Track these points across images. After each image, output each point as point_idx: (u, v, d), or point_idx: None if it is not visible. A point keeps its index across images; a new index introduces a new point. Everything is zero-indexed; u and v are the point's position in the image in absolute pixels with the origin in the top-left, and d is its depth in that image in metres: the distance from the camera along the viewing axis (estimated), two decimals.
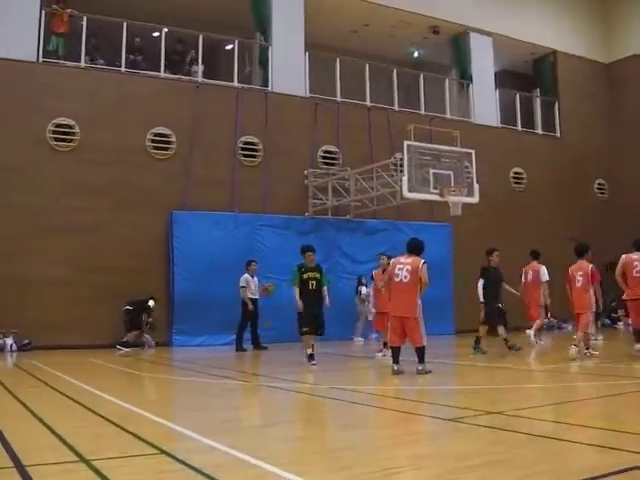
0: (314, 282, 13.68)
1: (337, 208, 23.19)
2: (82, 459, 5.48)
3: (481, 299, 15.65)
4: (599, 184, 31.07)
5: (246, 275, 18.82)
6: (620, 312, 25.62)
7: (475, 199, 19.66)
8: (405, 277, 11.75)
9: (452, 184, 19.31)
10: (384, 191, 20.82)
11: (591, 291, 14.11)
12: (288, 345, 18.89)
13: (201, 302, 19.86)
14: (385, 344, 14.81)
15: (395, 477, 4.92)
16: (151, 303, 19.30)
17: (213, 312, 19.71)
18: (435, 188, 19.00)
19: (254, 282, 18.96)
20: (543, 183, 28.31)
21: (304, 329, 13.60)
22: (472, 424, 6.85)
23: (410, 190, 18.70)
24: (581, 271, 14.19)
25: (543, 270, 18.06)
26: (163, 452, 5.69)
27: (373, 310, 16.08)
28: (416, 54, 30.15)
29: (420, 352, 11.58)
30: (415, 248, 12.11)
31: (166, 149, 21.28)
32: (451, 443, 6.24)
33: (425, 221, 23.84)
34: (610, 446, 5.58)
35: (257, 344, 18.85)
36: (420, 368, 11.50)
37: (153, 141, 21.13)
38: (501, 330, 15.49)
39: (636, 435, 6.10)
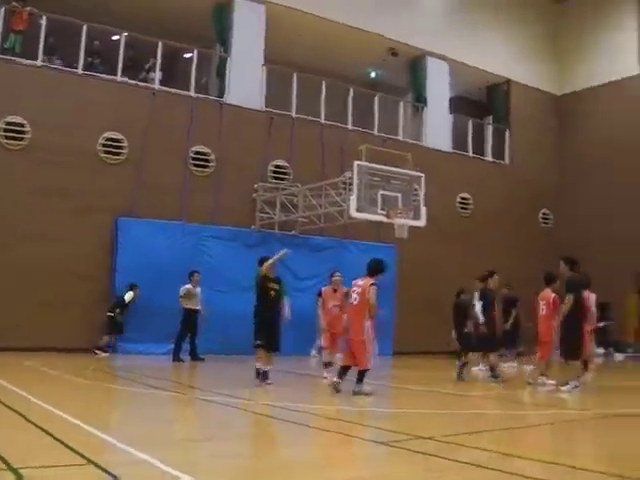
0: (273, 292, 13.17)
1: (284, 223, 23.25)
2: (9, 467, 5.42)
3: (480, 320, 15.49)
4: (544, 214, 31.58)
5: (188, 285, 18.78)
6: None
7: (422, 222, 19.86)
8: (355, 299, 11.83)
9: (400, 206, 19.47)
10: (332, 209, 20.92)
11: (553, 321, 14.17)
12: (227, 358, 18.94)
13: (144, 310, 19.79)
14: (326, 364, 14.84)
15: None
16: (127, 297, 19.40)
17: (156, 321, 19.58)
18: (382, 209, 19.13)
19: (196, 293, 18.91)
20: (489, 210, 28.68)
21: (257, 342, 13.01)
22: (404, 448, 6.94)
23: (358, 210, 18.82)
24: (544, 300, 14.34)
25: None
26: (92, 463, 5.66)
27: (324, 327, 15.35)
28: (373, 74, 30.44)
29: (360, 374, 11.61)
30: (369, 268, 12.07)
31: (118, 154, 21.18)
32: (383, 466, 6.33)
33: (371, 241, 23.99)
34: (538, 477, 5.72)
35: (195, 355, 18.81)
36: (357, 389, 11.52)
37: (105, 145, 21.02)
38: (493, 356, 15.22)
39: (560, 466, 6.26)
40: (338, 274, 15.24)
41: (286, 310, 13.80)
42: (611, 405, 11.58)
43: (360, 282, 11.96)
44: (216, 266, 21.00)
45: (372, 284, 11.79)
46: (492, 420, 9.87)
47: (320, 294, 15.35)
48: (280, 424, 8.79)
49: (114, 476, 5.23)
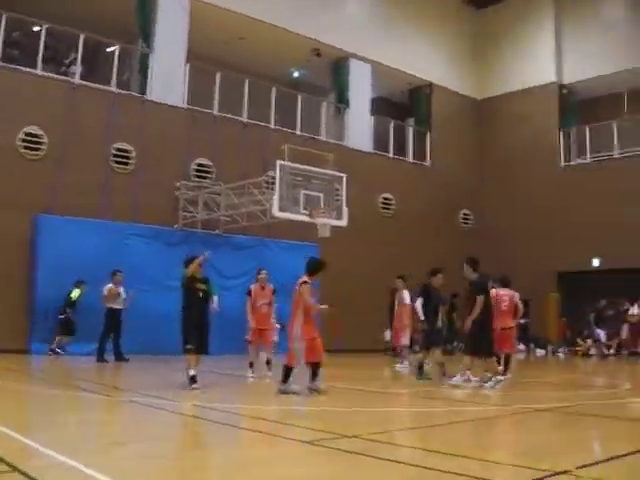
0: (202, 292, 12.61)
1: (207, 222, 23.16)
2: None
3: (421, 317, 15.31)
4: (464, 214, 32.14)
5: (110, 285, 18.55)
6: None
7: (344, 222, 20.02)
8: (293, 298, 11.81)
9: (322, 206, 19.58)
10: (254, 208, 20.93)
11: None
12: (150, 358, 18.79)
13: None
14: (251, 364, 14.86)
15: None
16: (74, 294, 19.21)
17: (79, 321, 19.35)
18: (305, 209, 19.24)
19: (118, 292, 18.69)
20: (411, 210, 29.05)
21: (188, 346, 12.28)
22: (329, 447, 6.96)
23: (280, 209, 18.90)
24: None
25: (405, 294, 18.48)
26: (16, 470, 5.50)
27: (252, 325, 15.15)
28: (296, 74, 30.54)
29: (285, 371, 11.59)
30: (306, 267, 12.01)
31: (37, 149, 20.75)
32: (306, 466, 6.33)
33: (293, 240, 24.05)
34: (465, 473, 5.81)
35: (119, 356, 18.58)
36: (282, 388, 11.54)
37: (24, 140, 20.58)
38: (438, 353, 15.05)
39: (478, 461, 6.37)
40: (264, 271, 15.33)
41: (215, 304, 13.36)
42: (532, 400, 11.81)
43: (297, 281, 11.92)
44: (139, 265, 20.75)
45: (303, 282, 11.73)
46: (417, 418, 9.97)
47: (249, 293, 15.20)
48: (206, 425, 8.75)
49: None
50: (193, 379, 11.91)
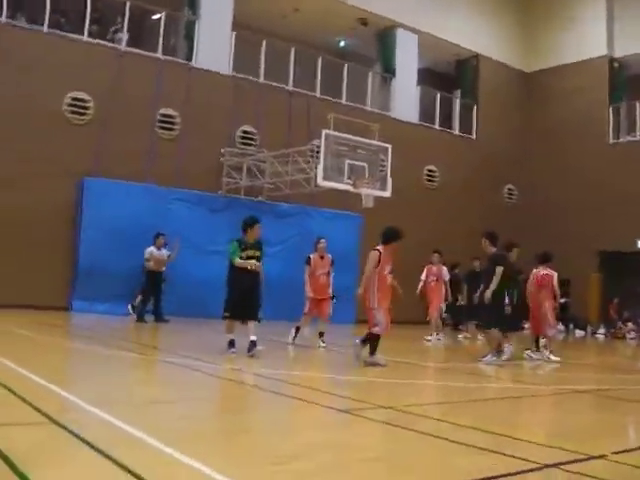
0: (253, 261, 11.87)
1: (250, 189, 23.22)
2: None
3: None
4: (509, 189, 31.87)
5: (151, 247, 18.73)
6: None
7: (387, 193, 19.93)
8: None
9: (366, 176, 19.52)
10: (298, 176, 20.93)
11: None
12: (191, 320, 18.96)
13: (106, 270, 19.70)
14: (297, 328, 14.87)
15: (293, 464, 4.99)
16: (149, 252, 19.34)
17: (117, 281, 19.61)
18: (349, 179, 19.19)
19: (159, 254, 18.83)
20: (455, 183, 28.86)
21: (225, 314, 11.99)
22: (364, 417, 7.01)
23: (325, 178, 18.87)
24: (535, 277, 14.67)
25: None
26: (54, 422, 5.62)
27: (310, 295, 15.04)
28: (342, 44, 30.32)
29: (372, 341, 11.46)
30: (382, 236, 11.91)
31: (83, 114, 20.91)
32: (340, 433, 6.38)
33: (336, 210, 24.04)
34: (492, 449, 5.81)
35: (159, 317, 18.76)
36: (369, 360, 11.40)
37: (70, 105, 20.74)
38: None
39: (513, 439, 6.36)
40: (323, 240, 15.14)
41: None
42: (570, 381, 11.76)
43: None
44: (181, 229, 20.84)
45: (373, 249, 11.71)
46: (453, 392, 9.96)
47: (308, 262, 14.96)
48: (244, 389, 8.84)
49: (78, 436, 5.18)
50: (231, 344, 11.83)
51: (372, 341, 11.45)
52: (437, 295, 18.86)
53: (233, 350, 11.77)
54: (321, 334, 14.65)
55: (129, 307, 19.81)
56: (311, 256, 15.05)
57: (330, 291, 15.10)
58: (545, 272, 14.75)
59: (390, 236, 11.85)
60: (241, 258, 11.75)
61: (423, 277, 19.00)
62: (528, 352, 14.52)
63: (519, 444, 6.21)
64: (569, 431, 7.12)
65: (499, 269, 13.09)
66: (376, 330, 11.37)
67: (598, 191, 28.84)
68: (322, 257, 14.99)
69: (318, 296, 14.82)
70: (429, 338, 18.34)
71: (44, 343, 12.32)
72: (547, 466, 5.30)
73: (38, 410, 6.01)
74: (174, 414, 6.70)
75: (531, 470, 5.18)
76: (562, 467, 5.31)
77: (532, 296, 14.70)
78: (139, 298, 19.44)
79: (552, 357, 14.26)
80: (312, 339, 14.91)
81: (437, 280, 18.90)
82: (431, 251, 19.35)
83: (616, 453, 5.88)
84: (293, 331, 14.91)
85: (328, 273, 14.99)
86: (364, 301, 11.55)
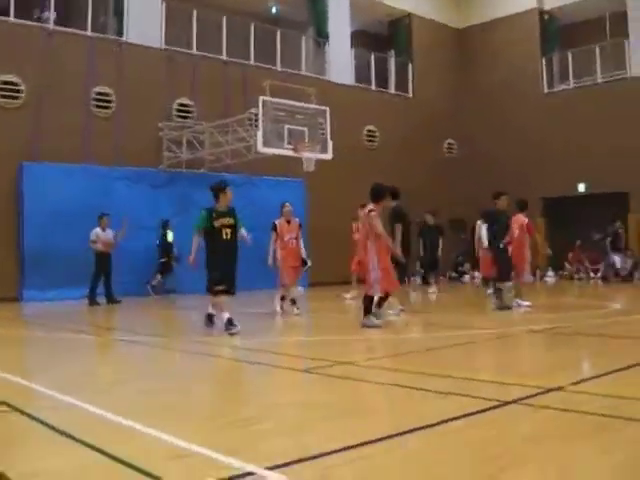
0: (228, 230, 11.15)
1: (192, 161, 23.07)
2: None
3: (484, 244, 15.21)
4: (448, 143, 32.12)
5: (97, 229, 18.48)
6: (466, 266, 27.08)
7: (329, 155, 19.95)
8: (358, 229, 11.90)
9: (306, 140, 19.52)
10: (239, 145, 20.85)
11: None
12: (141, 299, 18.86)
13: (53, 256, 19.47)
14: (283, 297, 14.68)
15: (256, 426, 5.04)
16: (170, 237, 21.22)
17: (65, 266, 19.35)
18: (289, 143, 19.17)
19: (105, 235, 18.63)
20: (395, 141, 28.98)
21: (218, 287, 11.01)
22: (325, 374, 7.07)
23: (265, 145, 18.83)
24: (517, 224, 14.64)
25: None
26: (17, 410, 5.57)
27: (284, 263, 14.61)
28: (274, 10, 30.09)
29: (366, 303, 11.40)
30: (371, 194, 11.57)
31: (15, 98, 20.50)
32: (303, 393, 6.45)
33: (279, 176, 24.01)
34: (453, 392, 5.91)
35: (110, 298, 18.61)
36: (364, 322, 11.31)
37: (1, 89, 20.32)
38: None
39: (473, 381, 6.47)
40: (288, 204, 14.86)
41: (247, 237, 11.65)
42: (526, 322, 11.99)
43: (361, 211, 11.69)
44: (125, 207, 20.64)
45: (370, 210, 11.38)
46: (412, 343, 10.08)
47: (275, 228, 14.53)
48: (202, 359, 8.83)
49: (43, 422, 5.15)
50: (230, 322, 10.75)
51: (367, 302, 11.38)
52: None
53: (236, 328, 10.69)
54: (293, 301, 14.45)
55: (148, 287, 20.92)
56: (276, 222, 14.67)
57: (301, 257, 14.90)
58: (526, 219, 14.87)
59: (381, 193, 11.65)
60: (213, 227, 11.02)
61: None
62: (517, 300, 14.50)
63: (479, 385, 6.36)
64: (528, 369, 7.28)
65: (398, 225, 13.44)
66: (371, 292, 11.35)
67: (536, 140, 29.24)
68: (289, 222, 14.69)
69: (292, 263, 14.59)
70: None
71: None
72: (507, 403, 5.42)
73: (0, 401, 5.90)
74: (133, 390, 6.68)
75: (493, 408, 5.28)
76: (523, 402, 5.44)
77: (518, 243, 14.73)
78: (158, 277, 20.96)
79: (524, 302, 14.44)
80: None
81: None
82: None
83: (573, 384, 6.03)
84: (278, 301, 14.68)
85: (297, 238, 14.73)
86: (365, 263, 11.50)
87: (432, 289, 20.15)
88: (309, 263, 15.32)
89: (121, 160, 21.59)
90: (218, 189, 11.26)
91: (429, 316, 13.85)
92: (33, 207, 19.85)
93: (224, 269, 11.03)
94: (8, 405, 5.70)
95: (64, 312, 16.52)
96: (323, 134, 20.01)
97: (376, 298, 11.41)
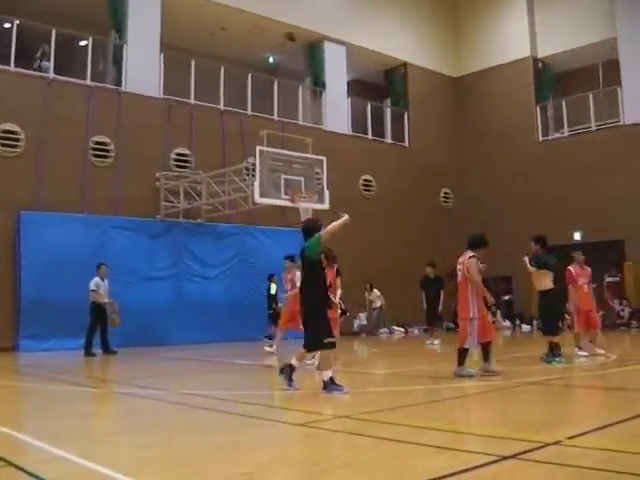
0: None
1: (189, 211, 23.15)
2: None
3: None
4: (444, 193, 32.23)
5: (96, 278, 18.45)
6: None
7: (325, 205, 20.03)
8: (459, 276, 11.35)
9: (303, 190, 19.60)
10: (236, 195, 20.92)
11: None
12: (137, 349, 18.78)
13: (50, 305, 19.38)
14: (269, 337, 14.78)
15: None
16: (273, 289, 20.74)
17: (62, 316, 19.25)
18: (286, 194, 19.25)
19: (104, 286, 18.64)
20: (391, 190, 29.11)
21: (329, 339, 9.74)
22: (321, 428, 7.04)
23: (262, 195, 18.91)
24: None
25: None
26: (10, 464, 5.52)
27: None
28: (271, 60, 30.46)
29: (460, 353, 11.15)
30: (469, 242, 11.50)
31: (14, 146, 20.59)
32: (299, 448, 6.43)
33: (276, 226, 24.08)
34: (449, 447, 5.89)
35: (106, 348, 18.56)
36: (457, 372, 11.13)
37: (0, 138, 20.44)
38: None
39: (470, 435, 6.46)
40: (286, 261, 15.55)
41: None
42: (522, 374, 11.92)
43: (461, 258, 11.44)
44: (120, 257, 20.71)
45: (471, 257, 11.23)
46: (409, 396, 10.04)
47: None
48: (196, 412, 8.77)
49: (35, 476, 5.10)
50: (333, 381, 9.62)
51: (463, 352, 11.16)
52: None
53: (346, 389, 9.59)
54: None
55: (265, 338, 19.79)
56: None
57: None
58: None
59: (480, 241, 11.56)
60: (320, 260, 10.15)
61: None
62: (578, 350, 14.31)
63: (476, 439, 6.32)
64: (524, 422, 7.24)
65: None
66: (467, 344, 11.12)
67: (531, 188, 29.41)
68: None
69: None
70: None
71: None
72: (505, 458, 5.40)
73: None
74: (128, 444, 6.64)
75: (489, 463, 5.27)
76: (520, 457, 5.42)
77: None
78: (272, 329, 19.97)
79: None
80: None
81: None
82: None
83: (570, 438, 6.02)
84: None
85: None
86: (460, 311, 11.31)
87: (436, 341, 20.10)
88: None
89: (118, 209, 21.68)
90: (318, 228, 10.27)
91: (427, 368, 13.79)
92: (30, 256, 19.85)
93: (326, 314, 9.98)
94: (3, 459, 5.64)
95: (60, 363, 16.44)
96: (319, 184, 20.11)
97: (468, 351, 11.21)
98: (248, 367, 14.35)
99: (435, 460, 5.53)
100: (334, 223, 10.02)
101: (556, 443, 5.87)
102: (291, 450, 6.33)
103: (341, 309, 14.89)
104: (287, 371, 9.84)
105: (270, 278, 21.30)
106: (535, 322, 27.95)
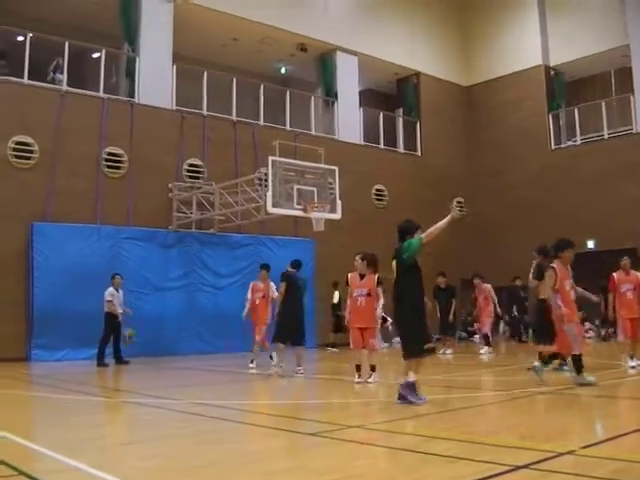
0: None
1: (201, 222, 23.18)
2: None
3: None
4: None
5: (111, 289, 18.49)
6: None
7: (338, 215, 20.00)
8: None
9: (315, 200, 19.59)
10: (248, 206, 20.91)
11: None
12: (150, 359, 18.79)
13: (62, 316, 19.42)
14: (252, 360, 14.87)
15: None
16: (335, 298, 22.97)
17: (74, 326, 19.34)
18: (299, 204, 19.23)
19: (119, 296, 18.67)
20: (404, 200, 29.02)
21: (430, 345, 9.59)
22: (332, 438, 7.03)
23: (274, 205, 18.86)
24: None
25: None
26: (22, 473, 5.53)
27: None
28: (283, 70, 30.52)
29: (576, 361, 10.94)
30: (554, 249, 11.32)
31: (28, 158, 20.66)
32: (311, 458, 6.38)
33: (289, 236, 24.12)
34: (463, 457, 5.87)
35: (119, 359, 18.59)
36: (578, 380, 10.89)
37: (14, 150, 20.50)
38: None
39: (484, 445, 6.43)
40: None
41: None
42: (532, 384, 11.86)
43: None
44: (133, 268, 20.79)
45: (549, 266, 11.24)
46: (427, 405, 10.01)
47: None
48: (209, 422, 8.76)
49: None
50: (414, 387, 9.32)
51: (576, 361, 10.83)
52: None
53: (424, 399, 9.33)
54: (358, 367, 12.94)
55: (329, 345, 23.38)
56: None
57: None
58: None
59: (564, 246, 11.26)
60: (417, 263, 9.93)
61: None
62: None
63: (489, 449, 6.29)
64: (537, 432, 7.21)
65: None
66: (576, 350, 10.87)
67: (544, 197, 29.31)
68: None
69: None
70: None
71: (5, 395, 12.08)
72: (518, 467, 5.37)
73: (4, 463, 5.88)
74: (141, 454, 6.64)
75: (503, 473, 5.24)
76: (533, 467, 5.39)
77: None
78: (332, 336, 23.78)
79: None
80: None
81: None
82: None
83: (583, 447, 5.99)
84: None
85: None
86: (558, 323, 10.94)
87: (449, 350, 20.06)
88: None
89: (131, 220, 21.76)
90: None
91: (440, 377, 13.75)
92: (43, 267, 19.92)
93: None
94: (15, 469, 5.66)
95: (72, 373, 16.47)
96: (332, 194, 20.09)
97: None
98: (261, 377, 14.32)
99: (448, 470, 5.52)
100: (438, 224, 9.76)
101: (570, 453, 5.86)
102: (303, 460, 6.31)
103: (383, 318, 14.72)
104: (408, 390, 9.21)
105: (335, 286, 22.75)
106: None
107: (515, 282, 24.44)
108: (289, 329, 14.24)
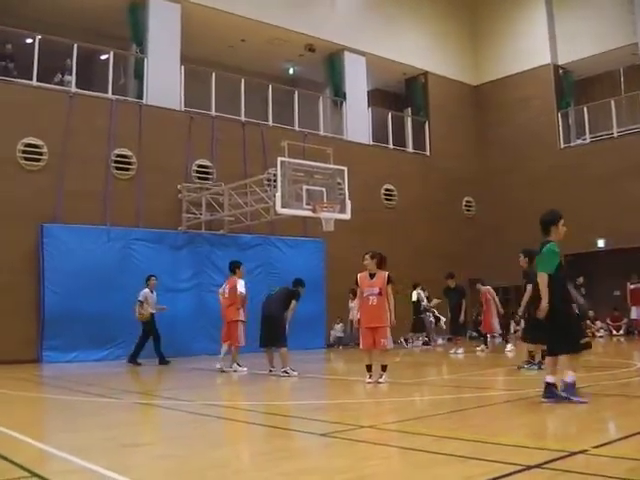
0: None
1: (211, 223, 23.20)
2: None
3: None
4: (467, 201, 32.10)
5: (146, 290, 18.56)
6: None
7: (347, 215, 20.00)
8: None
9: (325, 200, 19.59)
10: (258, 206, 20.92)
11: None
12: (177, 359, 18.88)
13: (73, 317, 19.47)
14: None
15: None
16: (414, 296, 24.08)
17: (85, 327, 19.44)
18: (308, 204, 19.24)
19: (153, 297, 18.74)
20: (413, 200, 29.06)
21: (585, 339, 9.52)
22: (343, 438, 7.02)
23: (283, 206, 18.87)
24: None
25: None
26: (36, 475, 5.51)
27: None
28: (291, 71, 30.53)
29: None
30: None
31: (37, 160, 20.71)
32: (321, 458, 6.38)
33: (298, 236, 24.13)
34: (474, 457, 5.85)
35: (162, 359, 18.56)
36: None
37: (24, 152, 20.55)
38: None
39: (495, 445, 6.41)
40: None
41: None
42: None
43: None
44: (143, 269, 20.75)
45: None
46: (434, 405, 10.00)
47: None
48: (220, 423, 8.77)
49: None
50: (574, 386, 8.83)
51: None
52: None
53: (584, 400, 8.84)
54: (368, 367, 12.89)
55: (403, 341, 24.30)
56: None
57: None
58: None
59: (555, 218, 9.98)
60: (562, 266, 9.37)
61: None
62: None
63: (501, 449, 6.27)
64: (549, 431, 7.19)
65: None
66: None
67: (553, 196, 29.08)
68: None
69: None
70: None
71: (17, 397, 12.12)
72: (530, 467, 5.35)
73: (16, 464, 5.88)
74: (153, 455, 6.63)
75: (514, 472, 5.22)
76: (545, 466, 5.37)
77: None
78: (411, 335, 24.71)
79: None
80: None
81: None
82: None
83: (596, 447, 5.96)
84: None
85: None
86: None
87: (460, 350, 20.01)
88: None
89: (141, 222, 21.78)
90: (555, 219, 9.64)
91: (451, 377, 13.75)
92: (53, 268, 19.96)
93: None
94: (28, 470, 5.66)
95: (84, 374, 16.48)
96: (341, 194, 20.08)
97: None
98: (272, 377, 14.32)
99: (460, 470, 5.49)
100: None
101: (582, 452, 5.82)
102: (314, 460, 6.29)
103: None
104: (571, 391, 8.73)
105: (415, 286, 23.59)
106: None
107: None
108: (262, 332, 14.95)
